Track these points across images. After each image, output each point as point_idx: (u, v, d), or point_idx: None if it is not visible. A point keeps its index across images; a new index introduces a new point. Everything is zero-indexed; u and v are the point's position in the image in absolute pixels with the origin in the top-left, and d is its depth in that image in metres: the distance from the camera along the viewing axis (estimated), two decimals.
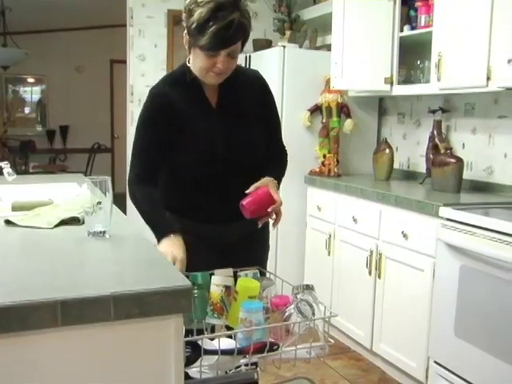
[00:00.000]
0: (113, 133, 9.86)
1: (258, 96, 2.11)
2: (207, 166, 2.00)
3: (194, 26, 1.83)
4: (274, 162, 2.17)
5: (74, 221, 1.78)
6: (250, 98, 2.08)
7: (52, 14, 7.82)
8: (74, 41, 9.19)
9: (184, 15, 1.89)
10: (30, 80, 9.78)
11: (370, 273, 3.37)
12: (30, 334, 1.05)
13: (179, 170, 2.03)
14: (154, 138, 2.00)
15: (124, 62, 4.97)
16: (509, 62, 2.72)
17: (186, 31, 1.91)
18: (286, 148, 2.27)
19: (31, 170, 7.87)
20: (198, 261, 1.85)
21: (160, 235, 1.88)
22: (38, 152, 8.98)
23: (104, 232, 1.59)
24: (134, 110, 4.80)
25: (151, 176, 2.02)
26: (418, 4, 3.59)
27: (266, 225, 2.23)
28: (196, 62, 1.92)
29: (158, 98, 2.02)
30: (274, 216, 2.01)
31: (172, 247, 1.82)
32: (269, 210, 1.93)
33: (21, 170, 7.75)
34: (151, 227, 1.93)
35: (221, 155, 2.00)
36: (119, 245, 1.57)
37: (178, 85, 2.03)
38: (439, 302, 2.84)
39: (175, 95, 2.00)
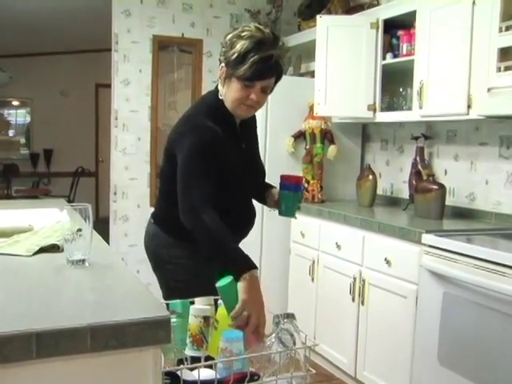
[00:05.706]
0: (97, 157, 9.81)
1: (255, 125, 2.33)
2: (237, 193, 2.11)
3: (234, 56, 1.92)
4: (264, 177, 2.40)
5: (53, 248, 1.76)
6: (253, 128, 2.30)
7: (37, 38, 7.82)
8: (59, 65, 9.18)
9: (223, 49, 1.98)
10: (15, 103, 9.75)
11: (353, 299, 3.36)
12: (4, 367, 1.02)
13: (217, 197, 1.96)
14: (211, 164, 1.96)
15: (109, 86, 4.96)
16: (489, 90, 2.76)
17: (222, 64, 2.00)
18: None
19: (14, 194, 7.80)
20: (207, 285, 1.78)
21: (238, 270, 1.73)
22: (22, 176, 8.90)
23: (83, 260, 1.57)
24: (118, 135, 4.78)
25: (212, 202, 1.91)
26: (400, 33, 3.66)
27: None
28: (230, 93, 2.00)
29: (211, 130, 2.00)
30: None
31: (258, 304, 1.71)
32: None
33: (3, 194, 7.69)
34: (223, 258, 1.83)
35: (246, 182, 2.14)
36: (98, 273, 1.55)
37: (217, 118, 2.04)
38: (422, 330, 2.83)
39: (218, 127, 2.03)
